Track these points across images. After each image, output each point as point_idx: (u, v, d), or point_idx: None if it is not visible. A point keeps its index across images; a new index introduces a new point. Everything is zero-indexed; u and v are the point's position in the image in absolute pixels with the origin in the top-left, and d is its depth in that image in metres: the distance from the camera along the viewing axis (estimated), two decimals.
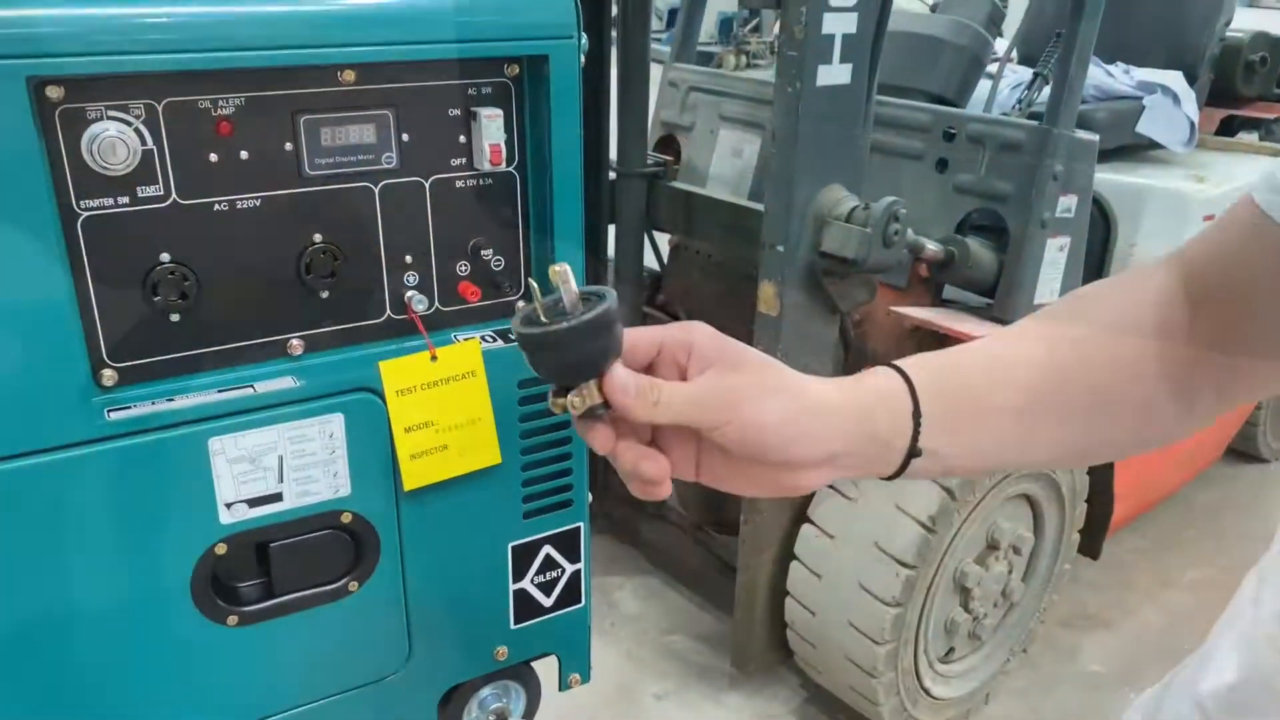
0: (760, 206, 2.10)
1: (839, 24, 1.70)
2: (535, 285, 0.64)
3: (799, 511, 2.08)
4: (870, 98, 1.82)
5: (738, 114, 2.59)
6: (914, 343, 2.17)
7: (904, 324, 2.15)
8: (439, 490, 0.96)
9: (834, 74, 1.73)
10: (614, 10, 2.24)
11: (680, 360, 0.64)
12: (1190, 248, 0.71)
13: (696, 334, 0.64)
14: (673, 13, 8.65)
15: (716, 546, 2.52)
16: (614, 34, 2.27)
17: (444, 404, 0.94)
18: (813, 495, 2.05)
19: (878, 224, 1.75)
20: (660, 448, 0.65)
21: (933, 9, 2.79)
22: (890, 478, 0.68)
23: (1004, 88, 2.43)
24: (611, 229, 2.45)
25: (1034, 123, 2.05)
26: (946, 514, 1.92)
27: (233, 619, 0.90)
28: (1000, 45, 2.67)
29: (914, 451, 0.66)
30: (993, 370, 0.70)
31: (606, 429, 0.64)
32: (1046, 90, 2.25)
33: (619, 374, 0.61)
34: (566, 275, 0.61)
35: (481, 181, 0.94)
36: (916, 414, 0.66)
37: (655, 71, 2.46)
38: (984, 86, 2.43)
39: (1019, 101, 2.39)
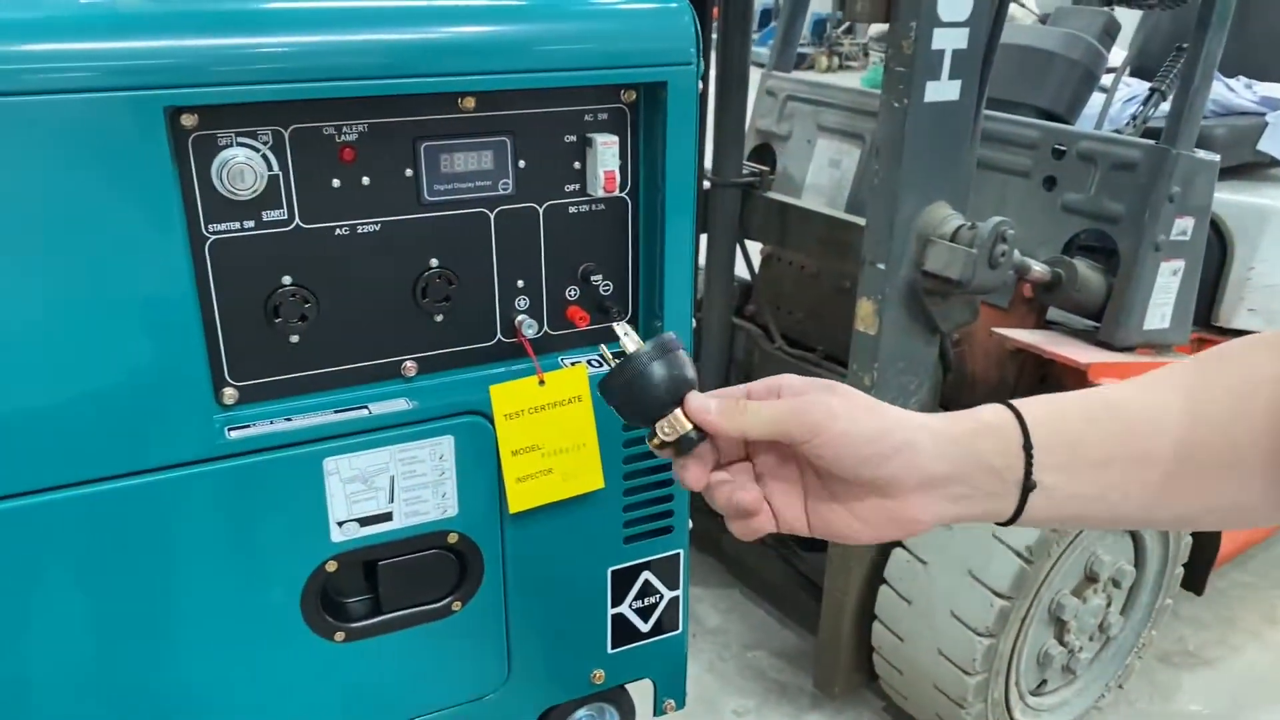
0: (858, 220, 2.07)
1: (949, 39, 1.65)
2: (605, 348, 0.68)
3: None
4: (979, 114, 1.77)
5: (837, 124, 2.55)
6: (1015, 365, 2.11)
7: (1006, 346, 2.09)
8: (542, 513, 0.96)
9: (942, 90, 1.69)
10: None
11: (772, 396, 0.66)
12: None
13: (786, 377, 0.67)
14: (764, 13, 8.59)
15: (801, 563, 2.49)
16: (713, 38, 2.26)
17: (550, 428, 0.94)
18: None
19: (984, 244, 1.71)
20: (765, 495, 0.66)
21: (1043, 21, 2.70)
22: (1008, 522, 0.65)
23: (1117, 103, 2.34)
24: (703, 238, 2.43)
25: (1150, 142, 1.97)
26: (1045, 545, 1.86)
27: (340, 635, 0.91)
28: (1114, 58, 2.57)
29: (1028, 485, 0.64)
30: (1120, 415, 0.67)
31: (699, 464, 0.66)
32: (1163, 106, 2.17)
33: (698, 396, 0.66)
34: (625, 330, 0.68)
35: (594, 207, 0.94)
36: (1028, 445, 0.64)
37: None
38: (1096, 101, 2.35)
39: (1133, 118, 2.30)
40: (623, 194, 0.94)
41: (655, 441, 0.66)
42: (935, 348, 1.95)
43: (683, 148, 0.92)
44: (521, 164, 0.89)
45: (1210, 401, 0.66)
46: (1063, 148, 2.08)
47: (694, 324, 1.00)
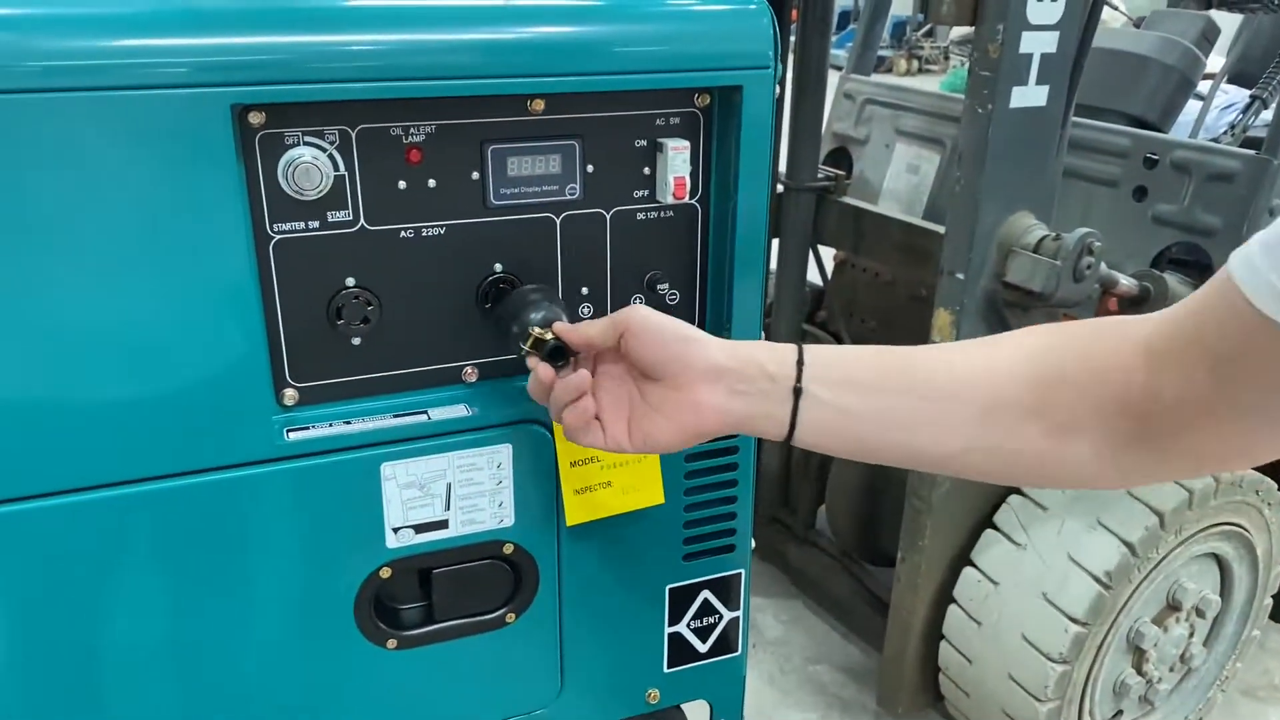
0: (937, 227, 2.02)
1: (1038, 43, 1.59)
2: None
3: (961, 553, 1.97)
4: (1067, 121, 1.70)
5: (916, 129, 2.49)
6: None
7: None
8: (600, 527, 0.94)
9: (1029, 95, 1.63)
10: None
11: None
12: (1168, 310, 0.70)
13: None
14: (843, 15, 8.46)
15: (866, 577, 2.44)
16: (791, 40, 2.21)
17: None
18: (977, 539, 1.94)
19: (1069, 256, 1.64)
20: (599, 413, 0.79)
21: (1137, 24, 2.60)
22: (788, 436, 0.75)
23: (1214, 111, 2.24)
24: (774, 242, 2.39)
25: (1250, 152, 1.87)
26: (1125, 570, 1.79)
27: (392, 642, 0.90)
28: (1212, 64, 2.46)
29: (798, 389, 0.74)
30: (898, 354, 0.77)
31: (548, 371, 0.80)
32: (1264, 115, 2.06)
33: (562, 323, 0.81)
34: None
35: (662, 214, 0.91)
36: (800, 359, 0.75)
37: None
38: (1191, 109, 2.25)
39: (1231, 126, 2.20)
40: (693, 201, 0.91)
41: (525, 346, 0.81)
42: None
43: (757, 155, 0.88)
44: (590, 168, 0.87)
45: (983, 354, 0.76)
46: (1155, 157, 1.99)
47: (762, 336, 0.96)
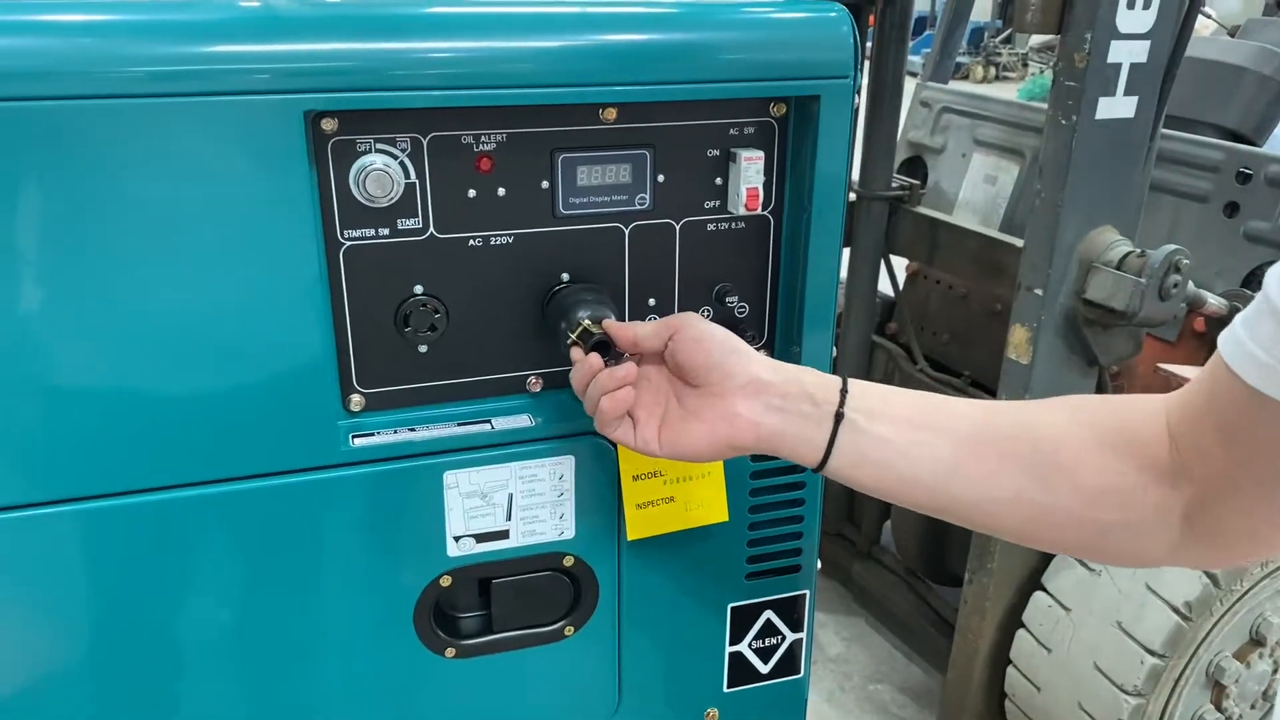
0: (1015, 241, 1.96)
1: (1128, 52, 1.53)
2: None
3: (1032, 576, 1.91)
4: (1155, 133, 1.64)
5: (995, 139, 2.43)
6: None
7: (1171, 383, 1.93)
8: (662, 542, 0.92)
9: (1116, 107, 1.57)
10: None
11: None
12: (1186, 386, 0.69)
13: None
14: (919, 21, 8.34)
15: (930, 596, 2.38)
16: (867, 46, 2.17)
17: None
18: (1049, 562, 1.89)
19: (1154, 274, 1.58)
20: (633, 411, 0.80)
21: (1231, 33, 2.51)
22: (821, 464, 0.74)
23: None
24: (845, 251, 2.35)
25: None
26: (1206, 602, 1.71)
27: (450, 651, 0.90)
28: None
29: (839, 414, 0.73)
30: (937, 397, 0.76)
31: (593, 362, 0.80)
32: None
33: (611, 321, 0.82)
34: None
35: (733, 225, 0.89)
36: (844, 386, 0.75)
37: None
38: None
39: None
40: (765, 212, 0.89)
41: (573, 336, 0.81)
42: (1092, 381, 1.82)
43: (833, 166, 0.86)
44: (660, 178, 0.85)
45: (1026, 410, 0.75)
46: (1249, 171, 1.91)
47: (834, 352, 0.94)
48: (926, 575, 2.39)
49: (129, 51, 0.69)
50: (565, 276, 0.86)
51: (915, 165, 2.61)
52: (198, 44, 0.70)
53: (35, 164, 0.68)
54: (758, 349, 0.93)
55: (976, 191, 2.45)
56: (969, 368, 2.33)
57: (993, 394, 2.01)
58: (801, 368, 0.79)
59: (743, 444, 0.77)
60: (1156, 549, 0.69)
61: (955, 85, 2.67)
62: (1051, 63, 1.62)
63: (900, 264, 2.45)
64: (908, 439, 0.74)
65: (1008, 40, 11.14)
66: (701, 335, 0.77)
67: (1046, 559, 1.89)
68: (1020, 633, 1.91)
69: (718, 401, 0.76)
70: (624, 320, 0.86)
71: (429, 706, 0.91)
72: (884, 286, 2.41)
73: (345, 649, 0.87)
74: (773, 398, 0.75)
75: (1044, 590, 1.88)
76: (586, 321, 0.81)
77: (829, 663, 2.42)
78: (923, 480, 0.74)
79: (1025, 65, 11.08)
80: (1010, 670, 1.94)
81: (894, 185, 2.27)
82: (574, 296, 0.84)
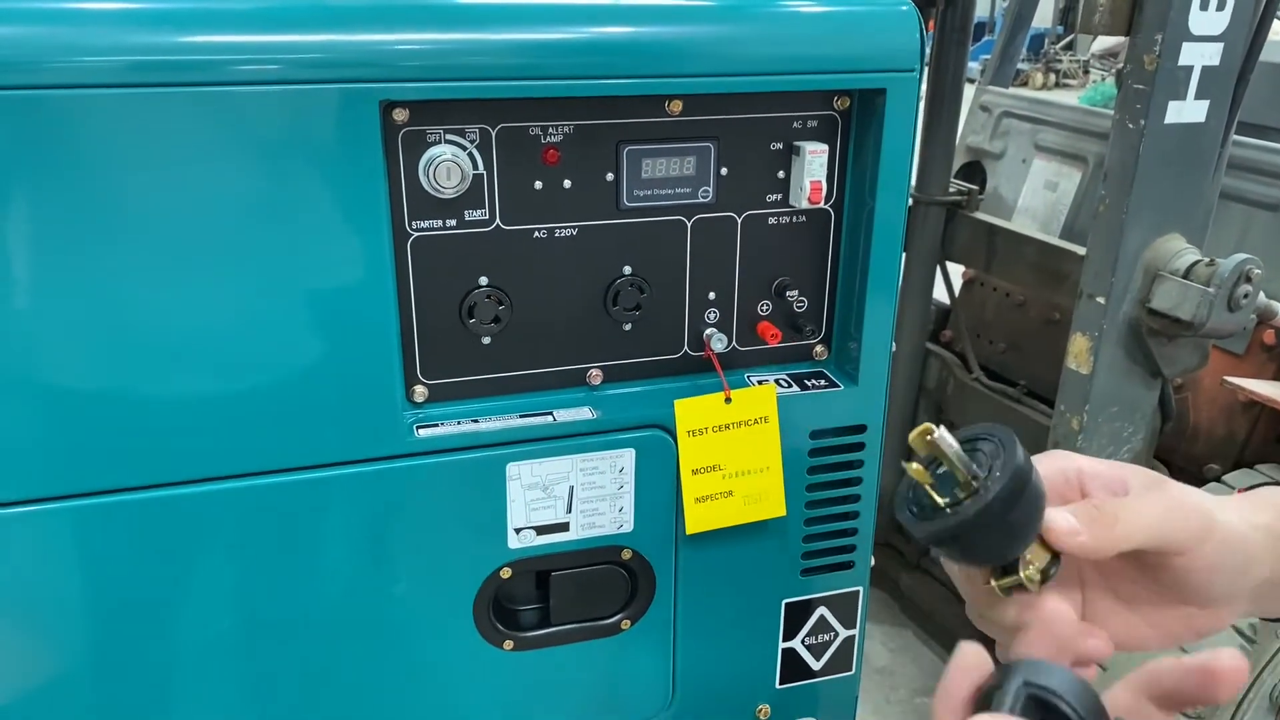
0: (1076, 248, 1.93)
1: (1200, 55, 1.50)
2: (913, 465, 0.53)
3: None
4: (1227, 139, 1.61)
5: (1056, 144, 2.39)
6: (1248, 419, 1.91)
7: (1239, 397, 1.89)
8: (718, 536, 0.92)
9: (1187, 111, 1.54)
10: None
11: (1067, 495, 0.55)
12: None
13: (1103, 469, 0.56)
14: (978, 26, 8.24)
15: None
16: (927, 49, 2.15)
17: (734, 448, 0.90)
18: None
19: (1223, 284, 1.54)
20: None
21: None
22: None
23: None
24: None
25: None
26: (1270, 625, 1.66)
27: (509, 644, 0.90)
28: None
29: None
30: None
31: (1057, 595, 0.52)
32: None
33: (1057, 517, 0.52)
34: (944, 440, 0.50)
35: (795, 219, 0.89)
36: None
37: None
38: None
39: None
40: (826, 206, 0.89)
41: (1006, 584, 0.53)
42: (1155, 393, 1.78)
43: (897, 161, 0.86)
44: (723, 171, 0.86)
45: None
46: None
47: (892, 347, 0.93)
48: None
49: (216, 40, 0.70)
50: (627, 269, 0.86)
51: (973, 170, 2.58)
52: (278, 32, 0.71)
53: (108, 153, 0.69)
54: (815, 344, 0.93)
55: (1036, 197, 2.41)
56: (1025, 377, 2.29)
57: (1049, 404, 1.98)
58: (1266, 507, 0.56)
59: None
60: None
61: (1015, 91, 2.63)
62: (1114, 69, 1.59)
63: (956, 270, 2.42)
64: None
65: (1069, 46, 10.97)
66: (1224, 548, 0.52)
67: None
68: None
69: (1192, 613, 0.55)
70: (699, 323, 0.82)
71: (486, 699, 0.92)
72: (939, 293, 2.38)
73: (404, 641, 0.88)
74: (1271, 588, 0.55)
75: None
76: (1029, 573, 0.52)
77: (875, 674, 2.39)
78: None
79: (1086, 72, 10.90)
80: None
81: (951, 190, 2.24)
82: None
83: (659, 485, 0.90)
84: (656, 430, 0.88)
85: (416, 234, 0.80)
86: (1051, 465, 0.55)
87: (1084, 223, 2.27)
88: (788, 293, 0.90)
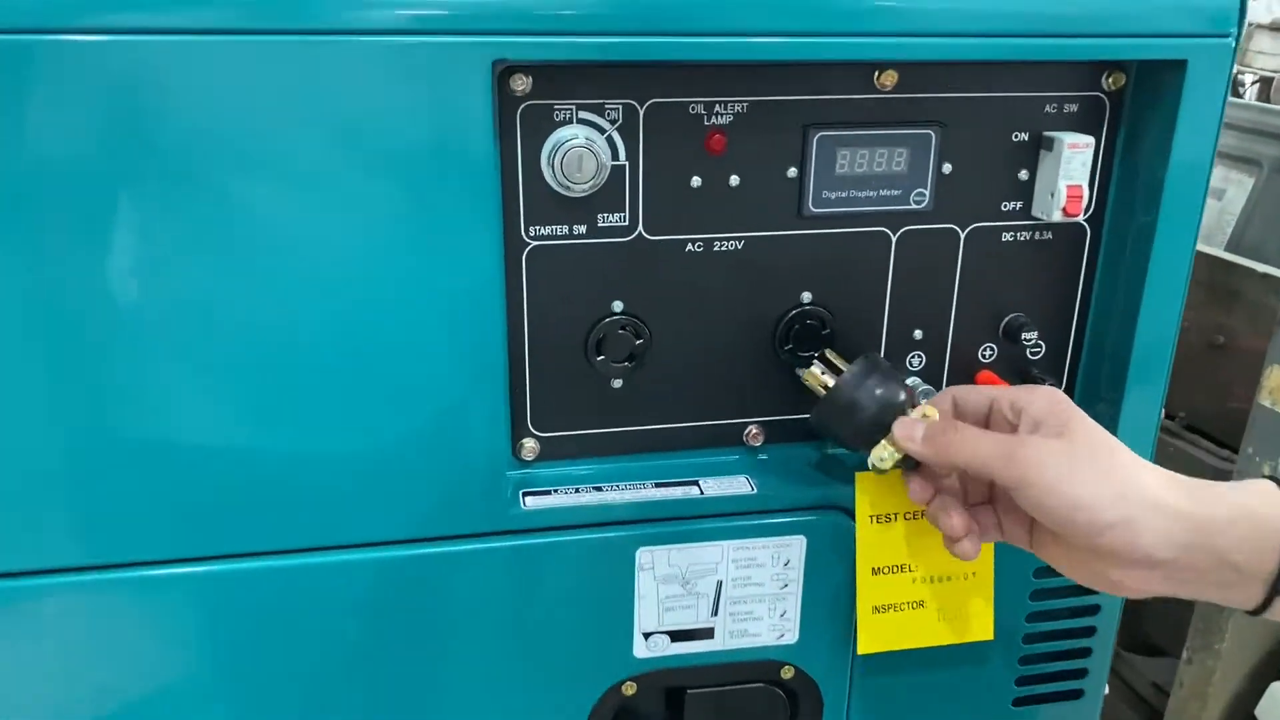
0: (1246, 262, 1.71)
1: None
2: (810, 369, 0.62)
3: (1269, 662, 1.62)
4: None
5: (1223, 146, 2.11)
6: None
7: None
8: (905, 657, 0.69)
9: None
10: None
11: (1011, 420, 0.59)
12: None
13: (1036, 395, 0.58)
14: None
15: (1122, 665, 2.09)
16: None
17: (931, 543, 0.67)
18: None
19: None
20: (997, 513, 0.62)
21: None
22: (1254, 612, 0.56)
23: None
24: None
25: None
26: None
27: None
28: None
29: (1276, 588, 0.54)
30: None
31: (920, 481, 0.62)
32: None
33: (904, 422, 0.60)
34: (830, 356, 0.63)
35: (1038, 236, 0.66)
36: None
37: None
38: None
39: None
40: (1082, 220, 0.66)
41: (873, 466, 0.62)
42: None
43: (1195, 162, 0.63)
44: (946, 168, 0.63)
45: None
46: None
47: (1162, 412, 0.70)
48: (1117, 642, 2.10)
49: None
50: (807, 296, 0.65)
51: None
52: None
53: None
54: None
55: None
56: (1184, 409, 2.03)
57: (1211, 439, 1.75)
58: (1225, 516, 0.54)
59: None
60: None
61: None
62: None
63: None
64: None
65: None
66: (1050, 497, 0.55)
67: None
68: None
69: (1094, 564, 0.57)
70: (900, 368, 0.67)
71: None
72: None
73: None
74: (1175, 572, 0.55)
75: None
76: (883, 453, 0.61)
77: None
78: None
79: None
80: None
81: None
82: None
83: (835, 585, 0.68)
84: (836, 512, 0.67)
85: (535, 243, 0.60)
86: (1017, 392, 0.60)
87: (1256, 234, 2.01)
88: (1023, 335, 0.67)
